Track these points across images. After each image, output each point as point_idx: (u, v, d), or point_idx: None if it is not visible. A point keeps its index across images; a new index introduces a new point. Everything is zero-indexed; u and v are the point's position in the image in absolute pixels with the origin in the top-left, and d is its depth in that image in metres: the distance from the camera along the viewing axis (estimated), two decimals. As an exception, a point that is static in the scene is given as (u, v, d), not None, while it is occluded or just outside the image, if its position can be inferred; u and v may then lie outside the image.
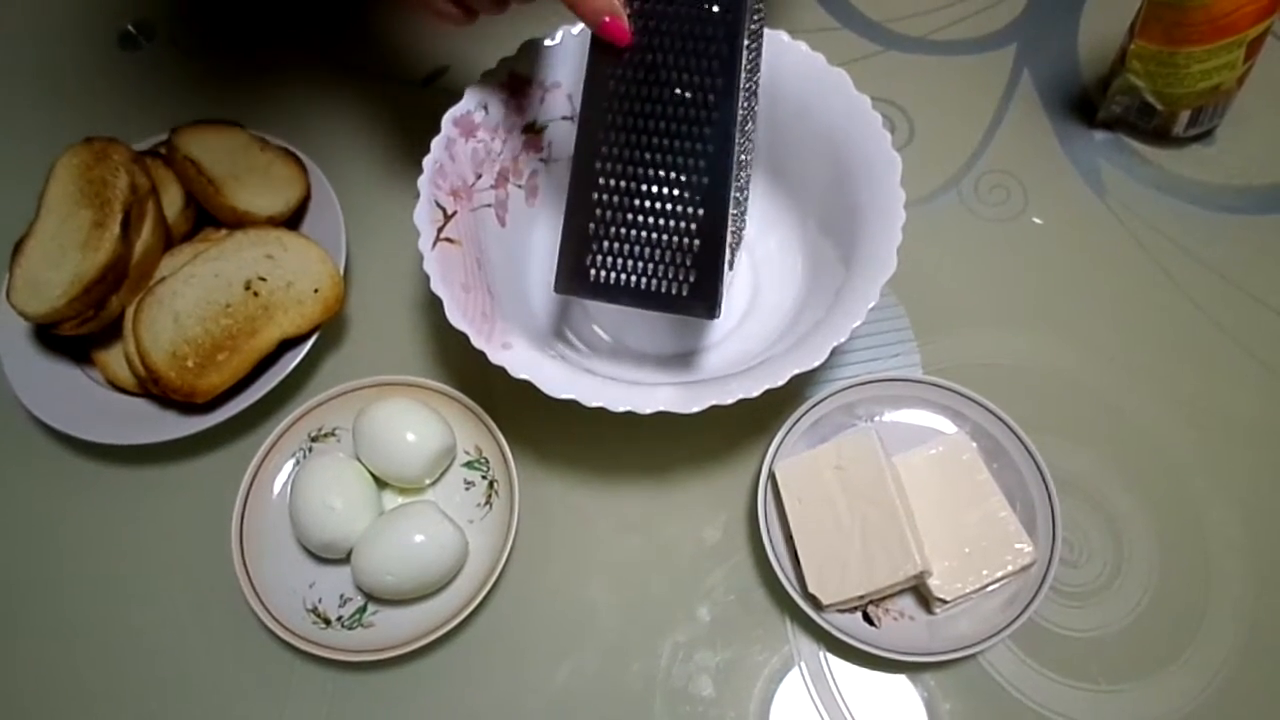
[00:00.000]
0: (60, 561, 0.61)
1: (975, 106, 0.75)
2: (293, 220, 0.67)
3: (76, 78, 0.78)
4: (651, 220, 0.55)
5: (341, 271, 0.64)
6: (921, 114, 0.74)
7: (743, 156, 0.57)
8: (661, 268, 0.55)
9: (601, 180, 0.55)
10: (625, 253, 0.55)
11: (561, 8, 0.52)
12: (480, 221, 0.61)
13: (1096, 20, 0.78)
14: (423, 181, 0.58)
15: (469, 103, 0.61)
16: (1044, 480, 0.58)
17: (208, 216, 0.67)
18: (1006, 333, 0.66)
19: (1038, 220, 0.70)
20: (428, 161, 0.59)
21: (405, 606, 0.57)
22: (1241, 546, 0.59)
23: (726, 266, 0.55)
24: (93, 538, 0.62)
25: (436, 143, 0.60)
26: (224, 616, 0.58)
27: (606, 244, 0.55)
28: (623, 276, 0.56)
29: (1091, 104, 0.74)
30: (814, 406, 0.60)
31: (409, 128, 0.74)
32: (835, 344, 0.53)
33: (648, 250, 0.55)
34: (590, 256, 0.56)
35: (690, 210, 0.54)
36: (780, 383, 0.52)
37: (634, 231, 0.55)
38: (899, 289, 0.67)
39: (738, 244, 0.62)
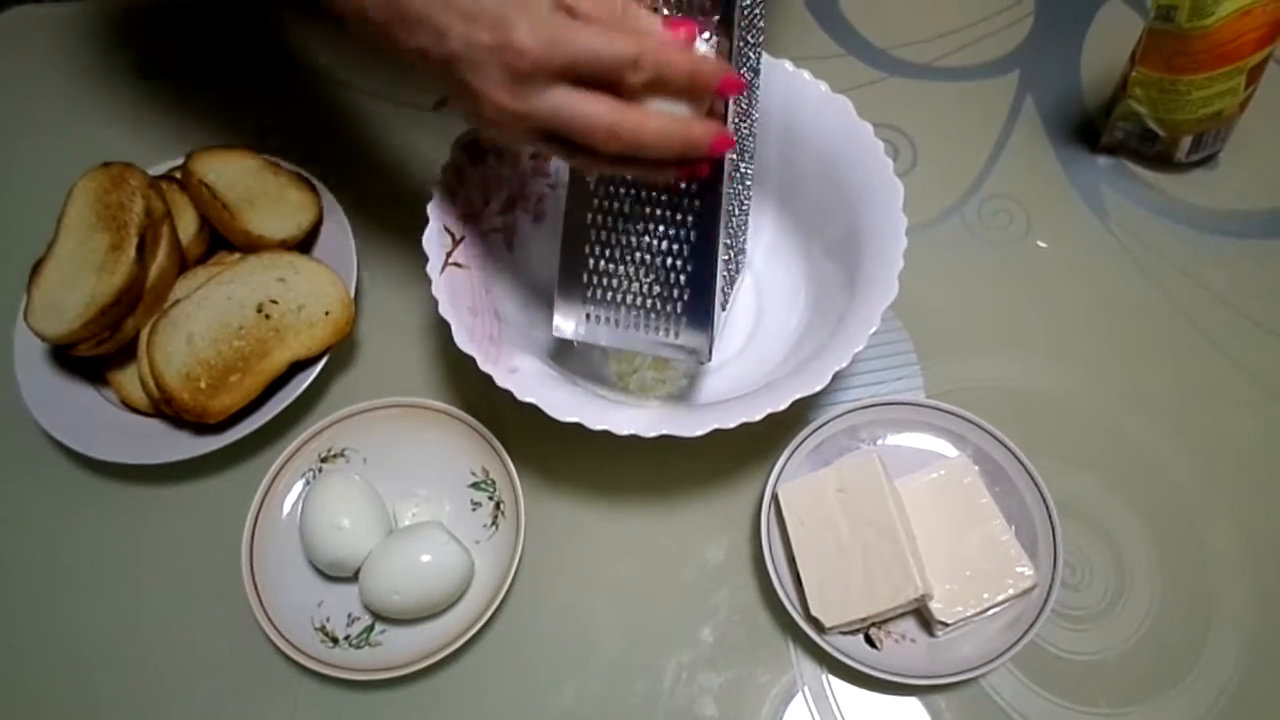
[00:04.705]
0: (71, 578, 0.62)
1: (979, 132, 0.76)
2: (305, 244, 0.68)
3: (95, 103, 0.79)
4: (643, 270, 0.56)
5: (352, 294, 0.65)
6: (925, 139, 0.75)
7: (736, 200, 0.58)
8: (653, 315, 0.56)
9: (593, 233, 0.56)
10: (618, 301, 0.57)
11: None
12: (488, 246, 0.62)
13: (1099, 47, 0.79)
14: (432, 206, 0.59)
15: (478, 129, 0.62)
16: (1045, 504, 0.58)
17: (221, 240, 0.68)
18: (1009, 357, 0.66)
19: (1041, 244, 0.71)
20: (437, 186, 0.60)
21: (412, 626, 0.58)
22: (1243, 569, 0.59)
23: (719, 309, 0.56)
24: (105, 555, 0.63)
25: (445, 168, 0.61)
26: (233, 634, 0.59)
27: (599, 291, 0.57)
28: (616, 322, 0.57)
29: (1094, 129, 0.75)
30: (817, 429, 0.61)
31: (419, 153, 0.75)
32: (837, 369, 0.54)
33: (639, 299, 0.56)
34: (584, 302, 0.57)
35: (679, 263, 0.55)
36: (782, 407, 0.53)
37: (625, 281, 0.56)
38: (902, 313, 0.67)
39: (733, 282, 0.63)
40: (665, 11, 0.50)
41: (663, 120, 0.47)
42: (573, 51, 0.45)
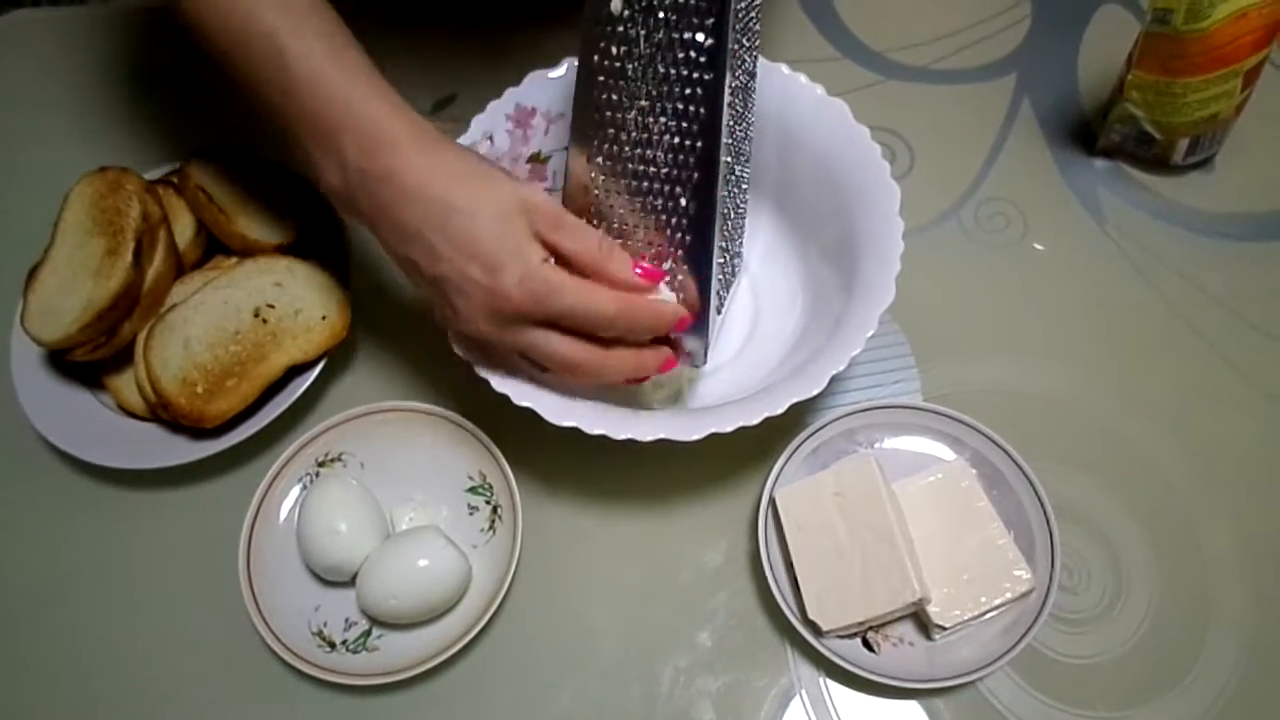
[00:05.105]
0: (68, 583, 0.62)
1: (975, 135, 0.76)
2: (301, 248, 0.68)
3: (92, 107, 0.79)
4: None
5: (348, 299, 0.65)
6: (922, 142, 0.75)
7: (730, 204, 0.58)
8: None
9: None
10: None
11: (565, 37, 0.53)
12: (485, 250, 0.62)
13: (1095, 50, 0.79)
14: (428, 211, 0.59)
15: (475, 132, 0.62)
16: (1043, 507, 0.58)
17: (218, 244, 0.68)
18: (1006, 360, 0.66)
19: (1038, 247, 0.71)
20: (434, 191, 0.60)
21: (409, 630, 0.58)
22: (1241, 571, 0.59)
23: (714, 313, 0.56)
24: (101, 560, 0.63)
25: (442, 172, 0.61)
26: (230, 639, 0.59)
27: None
28: None
29: (1091, 132, 0.75)
30: (814, 433, 0.61)
31: (416, 156, 0.75)
32: (834, 372, 0.54)
33: None
34: None
35: (674, 265, 0.55)
36: (779, 411, 0.53)
37: None
38: (900, 316, 0.67)
39: (729, 286, 0.63)
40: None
41: (620, 358, 0.53)
42: (554, 310, 0.50)
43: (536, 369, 0.55)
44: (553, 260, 0.51)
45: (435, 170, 0.50)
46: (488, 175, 0.52)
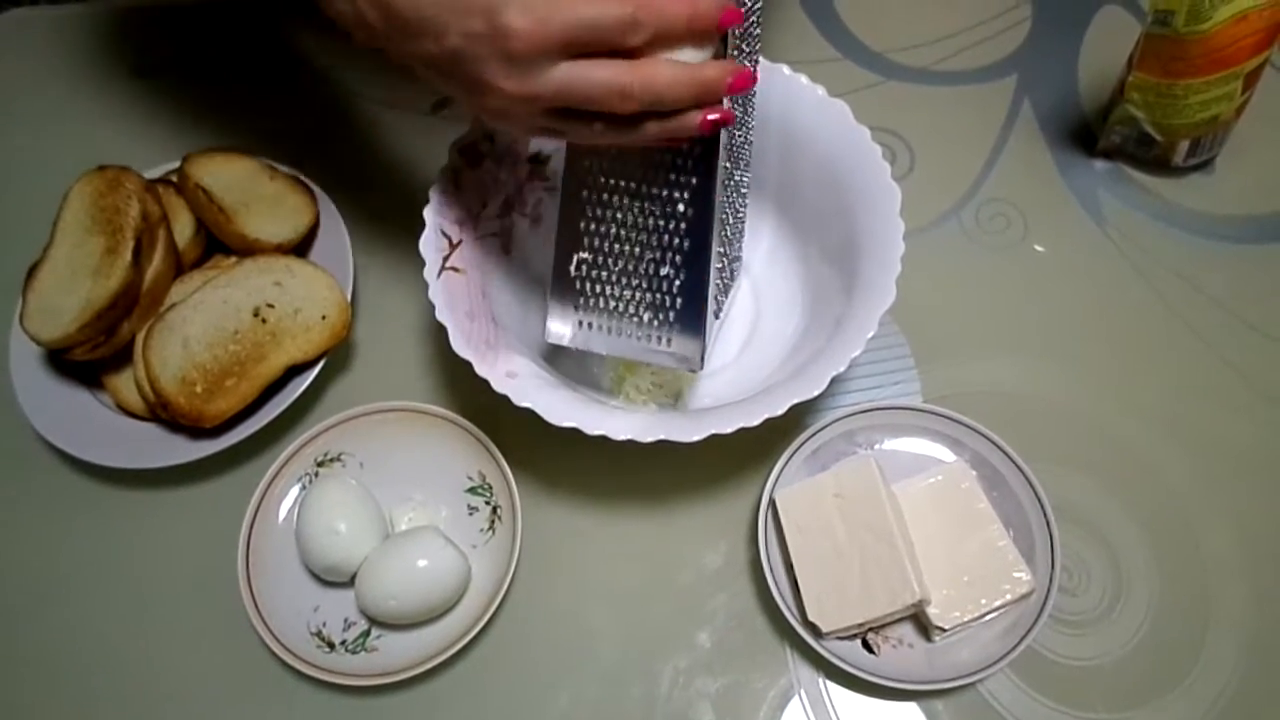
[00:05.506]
0: (67, 582, 0.62)
1: (976, 136, 0.76)
2: (301, 248, 0.68)
3: (91, 106, 0.79)
4: (635, 278, 0.56)
5: (348, 298, 0.65)
6: (923, 143, 0.75)
7: (730, 209, 0.58)
8: (646, 322, 0.56)
9: (586, 240, 0.56)
10: (611, 308, 0.57)
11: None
12: (486, 250, 0.62)
13: (1096, 51, 0.79)
14: (429, 210, 0.59)
15: (475, 132, 0.62)
16: (1043, 508, 0.58)
17: (218, 243, 0.68)
18: (1006, 361, 0.66)
19: (1039, 248, 0.71)
20: (434, 190, 0.60)
21: (408, 631, 0.58)
22: (1240, 573, 0.59)
23: (712, 318, 0.56)
24: (100, 560, 0.63)
25: (442, 172, 0.61)
26: (228, 639, 0.59)
27: (593, 299, 0.57)
28: (609, 329, 0.57)
29: (1091, 134, 0.75)
30: (814, 434, 0.61)
31: (416, 156, 0.75)
32: (835, 374, 0.54)
33: (632, 306, 0.56)
34: (577, 309, 0.57)
35: (672, 271, 0.55)
36: (779, 412, 0.53)
37: (618, 289, 0.56)
38: (900, 317, 0.67)
39: (728, 290, 0.63)
40: None
41: (673, 69, 0.46)
42: (567, 24, 0.45)
43: (585, 125, 0.49)
44: None
45: None
46: None
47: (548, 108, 0.47)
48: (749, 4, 0.52)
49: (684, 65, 0.47)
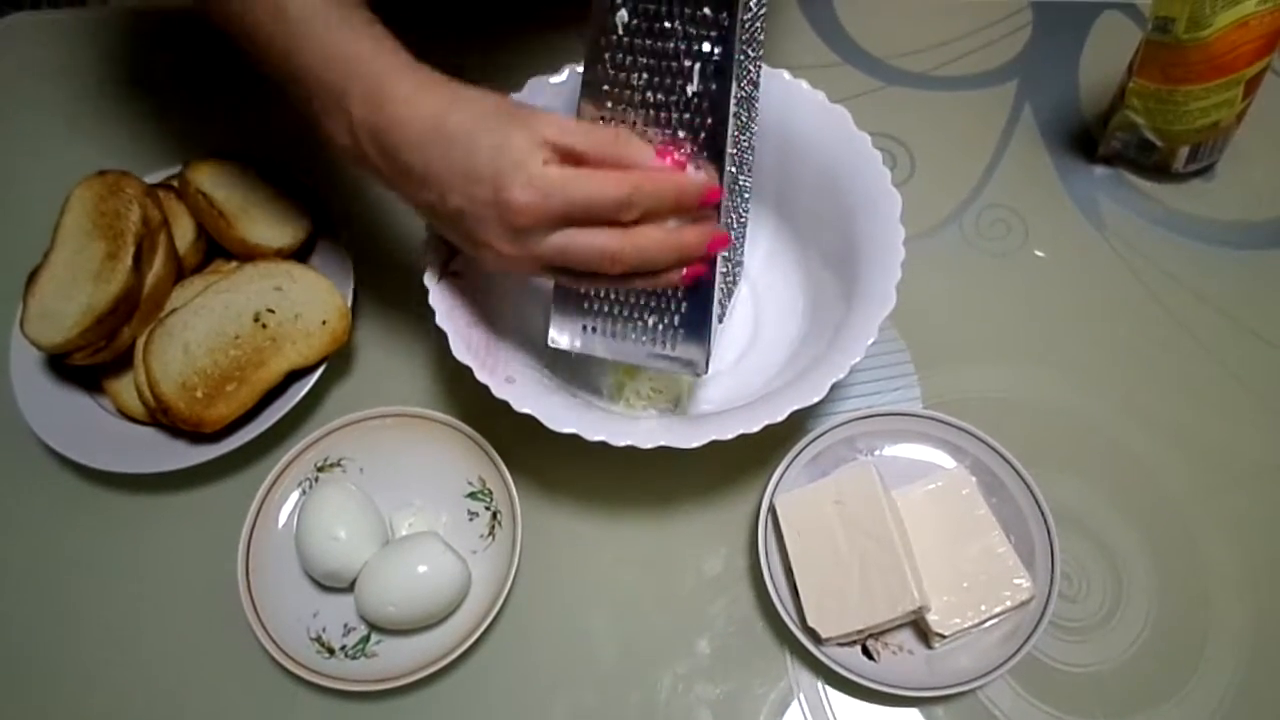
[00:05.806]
0: (67, 587, 0.62)
1: (976, 142, 0.76)
2: (301, 253, 0.68)
3: (92, 110, 0.79)
4: None
5: (349, 304, 0.65)
6: (923, 149, 0.75)
7: (733, 213, 0.58)
8: (649, 327, 0.56)
9: None
10: (613, 313, 0.57)
11: (568, 44, 0.52)
12: (486, 255, 0.62)
13: (1097, 57, 0.79)
14: (429, 216, 0.59)
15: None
16: (1043, 515, 0.58)
17: (218, 248, 0.68)
18: (1006, 367, 0.66)
19: (1039, 254, 0.71)
20: (434, 196, 0.60)
21: (408, 637, 0.58)
22: (1240, 581, 0.59)
23: (715, 321, 0.56)
24: (100, 564, 0.63)
25: (443, 177, 0.61)
26: (228, 644, 0.59)
27: (595, 303, 0.57)
28: (611, 333, 0.57)
29: (1092, 139, 0.75)
30: (814, 440, 0.61)
31: (417, 161, 0.75)
32: (835, 380, 0.54)
33: (634, 310, 0.56)
34: (579, 313, 0.57)
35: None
36: (779, 419, 0.53)
37: (620, 293, 0.56)
38: (900, 322, 0.67)
39: (730, 294, 0.63)
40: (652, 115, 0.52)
41: (659, 236, 0.51)
42: (568, 201, 0.48)
43: (576, 278, 0.53)
44: (560, 164, 0.50)
45: (437, 111, 0.50)
46: (479, 99, 0.51)
47: (543, 266, 0.51)
48: (753, 9, 0.52)
49: (669, 231, 0.51)
